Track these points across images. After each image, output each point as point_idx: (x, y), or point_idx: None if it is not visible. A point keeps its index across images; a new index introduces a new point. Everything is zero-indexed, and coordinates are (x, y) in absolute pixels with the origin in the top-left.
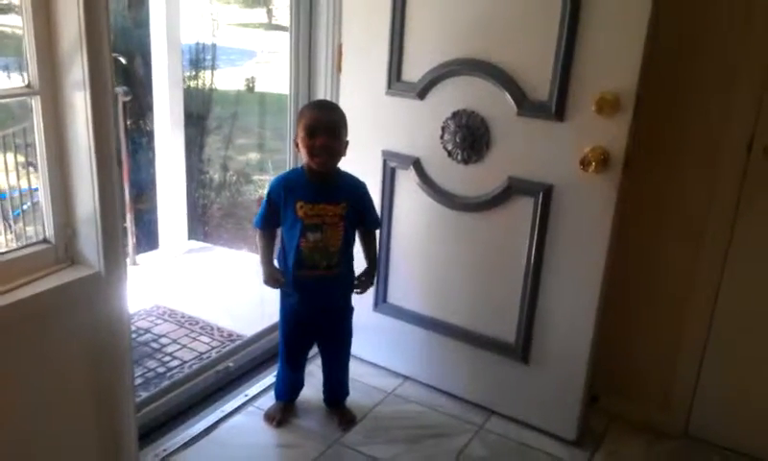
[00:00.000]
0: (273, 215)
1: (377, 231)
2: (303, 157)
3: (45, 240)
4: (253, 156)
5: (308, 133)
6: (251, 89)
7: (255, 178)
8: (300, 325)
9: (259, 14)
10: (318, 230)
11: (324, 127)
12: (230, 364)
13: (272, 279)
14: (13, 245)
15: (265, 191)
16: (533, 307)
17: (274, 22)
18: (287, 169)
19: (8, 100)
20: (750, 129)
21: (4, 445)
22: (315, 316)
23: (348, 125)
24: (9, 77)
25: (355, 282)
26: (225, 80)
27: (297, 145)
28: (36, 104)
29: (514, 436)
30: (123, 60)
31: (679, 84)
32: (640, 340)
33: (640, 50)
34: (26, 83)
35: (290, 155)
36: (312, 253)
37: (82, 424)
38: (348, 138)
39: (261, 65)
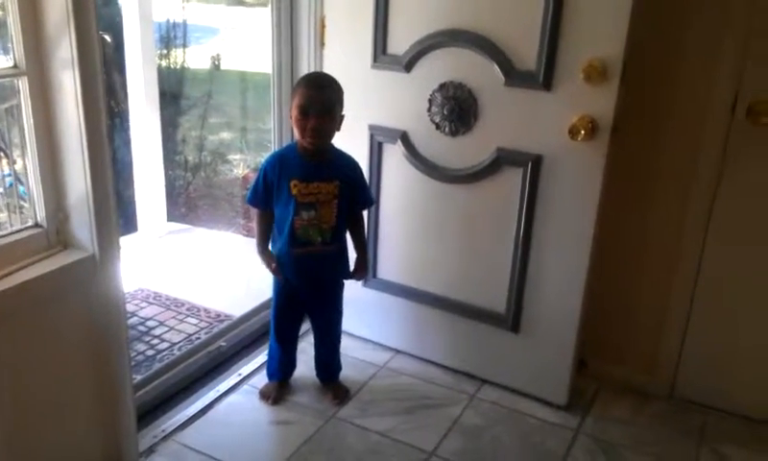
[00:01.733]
0: (268, 192)
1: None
2: (296, 135)
3: (37, 224)
4: (226, 135)
5: (301, 112)
6: (216, 67)
7: (230, 157)
8: (292, 299)
9: None
10: (311, 208)
11: (318, 106)
12: (223, 344)
13: (268, 268)
14: None
15: (260, 166)
16: (523, 277)
17: None
18: (273, 146)
19: None
20: (733, 91)
21: (3, 430)
22: (307, 290)
23: (343, 99)
24: None
25: (351, 273)
26: (190, 58)
27: (292, 119)
28: (23, 85)
29: (506, 403)
30: (108, 39)
31: (663, 48)
32: (627, 305)
33: (627, 17)
34: (12, 63)
35: (275, 131)
36: (306, 230)
37: (81, 408)
38: (344, 113)
39: (226, 42)
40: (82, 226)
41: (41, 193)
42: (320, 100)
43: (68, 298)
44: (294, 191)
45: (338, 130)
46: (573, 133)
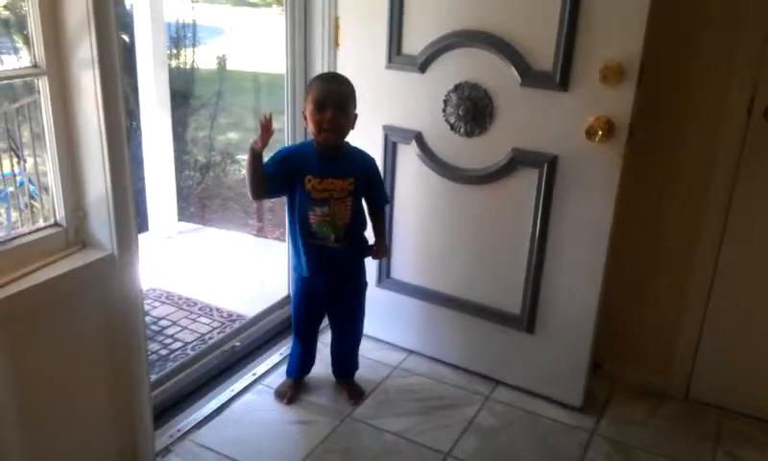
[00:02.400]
0: (283, 166)
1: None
2: (310, 131)
3: (56, 223)
4: (234, 135)
5: (317, 107)
6: (222, 68)
7: (239, 157)
8: (311, 296)
9: None
10: (325, 204)
11: (333, 101)
12: (237, 344)
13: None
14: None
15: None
16: (538, 278)
17: None
18: (286, 144)
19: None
20: (749, 92)
21: (22, 429)
22: (326, 288)
23: (356, 98)
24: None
25: (369, 246)
26: (197, 58)
27: (305, 118)
28: (43, 84)
29: (521, 405)
30: (126, 39)
31: (679, 51)
32: (642, 306)
33: (644, 18)
34: (33, 63)
35: (288, 130)
36: (320, 225)
37: (99, 406)
38: (357, 112)
39: (231, 43)
40: (101, 225)
41: (61, 192)
42: (335, 94)
43: (87, 297)
44: (308, 186)
45: (352, 127)
46: (590, 133)
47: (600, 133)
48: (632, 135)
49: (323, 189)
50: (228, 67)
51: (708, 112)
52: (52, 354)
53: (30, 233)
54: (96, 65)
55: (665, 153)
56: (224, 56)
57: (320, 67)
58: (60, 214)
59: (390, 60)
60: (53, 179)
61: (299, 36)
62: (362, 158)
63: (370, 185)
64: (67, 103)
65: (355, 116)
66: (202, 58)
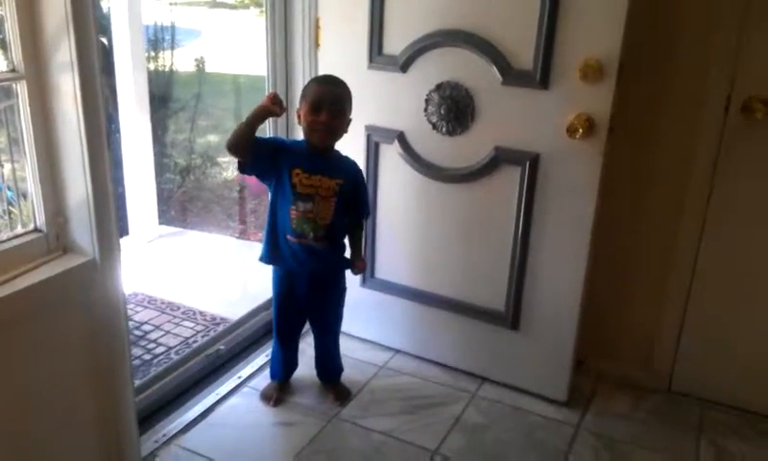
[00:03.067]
0: (271, 149)
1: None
2: (303, 132)
3: (36, 229)
4: (213, 137)
5: (312, 108)
6: (201, 70)
7: (220, 159)
8: (291, 298)
9: None
10: (309, 200)
11: (329, 102)
12: (221, 347)
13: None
14: None
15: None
16: (522, 275)
17: (218, 0)
18: None
19: None
20: (727, 88)
21: (4, 437)
22: (305, 290)
23: (352, 102)
24: None
25: (348, 259)
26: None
27: (299, 117)
28: (21, 88)
29: (507, 401)
30: (105, 42)
31: (658, 48)
32: (622, 300)
33: (623, 16)
34: (10, 67)
35: (269, 131)
36: (301, 222)
37: (82, 413)
38: (351, 116)
39: (208, 45)
40: (82, 230)
41: (41, 198)
42: (332, 95)
43: (69, 303)
44: (294, 179)
45: (345, 131)
46: (571, 131)
47: (581, 130)
48: (612, 133)
49: (309, 185)
50: (207, 70)
51: (686, 109)
52: (33, 362)
53: (9, 240)
54: (76, 69)
55: (645, 149)
56: (202, 58)
57: (301, 68)
58: (41, 220)
59: (371, 60)
60: (32, 184)
61: (279, 37)
62: (351, 165)
63: (354, 193)
64: (46, 107)
65: (349, 121)
66: (180, 60)
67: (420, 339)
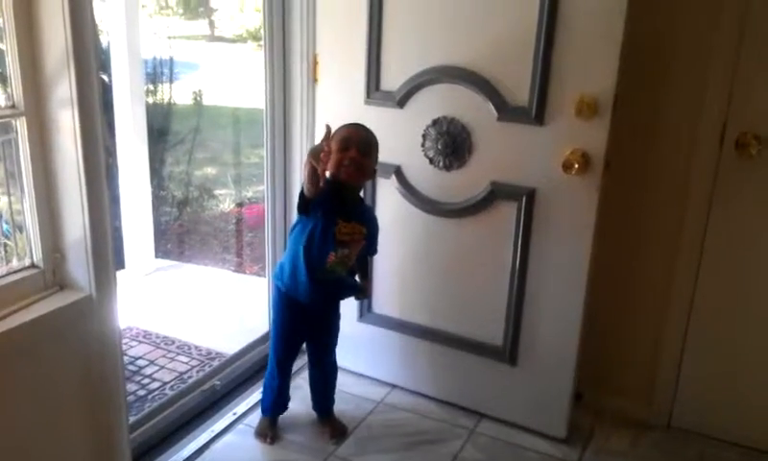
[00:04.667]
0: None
1: None
2: (330, 171)
3: (33, 265)
4: (211, 170)
5: (341, 147)
6: (198, 103)
7: (217, 192)
8: (295, 326)
9: (201, 26)
10: (346, 246)
11: (358, 142)
12: (217, 383)
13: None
14: None
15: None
16: (519, 310)
17: (216, 34)
18: (266, 179)
19: None
20: (720, 124)
21: None
22: (311, 315)
23: (378, 153)
24: None
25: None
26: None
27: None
28: (20, 124)
29: (505, 438)
30: (106, 79)
31: (652, 83)
32: (622, 336)
33: (617, 52)
34: (10, 103)
35: (267, 164)
36: (335, 265)
37: (76, 450)
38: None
39: (206, 78)
40: (78, 266)
41: (38, 233)
42: (361, 136)
43: (65, 339)
44: (335, 229)
45: (371, 177)
46: (567, 166)
47: (576, 165)
48: (607, 168)
49: (347, 233)
50: (205, 102)
51: (681, 144)
52: (27, 397)
53: (6, 275)
54: (75, 105)
55: (641, 185)
56: (200, 91)
57: (299, 103)
58: (38, 255)
59: (368, 95)
60: (30, 219)
61: (277, 72)
62: (370, 209)
63: (371, 235)
64: (45, 142)
65: (375, 171)
66: (178, 93)
67: (418, 374)
